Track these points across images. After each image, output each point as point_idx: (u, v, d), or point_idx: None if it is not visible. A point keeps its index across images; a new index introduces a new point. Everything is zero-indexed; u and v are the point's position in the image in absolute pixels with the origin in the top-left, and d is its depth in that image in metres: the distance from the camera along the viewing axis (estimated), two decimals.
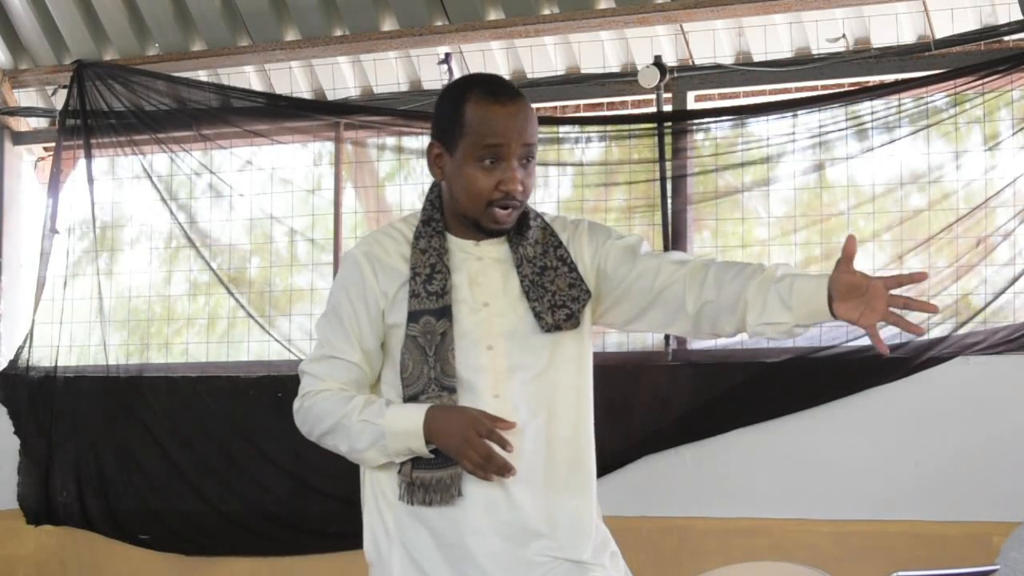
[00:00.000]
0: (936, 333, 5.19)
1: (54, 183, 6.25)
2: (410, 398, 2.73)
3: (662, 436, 5.30)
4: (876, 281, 2.62)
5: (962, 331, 5.12)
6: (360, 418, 2.73)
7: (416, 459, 2.73)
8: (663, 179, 5.42)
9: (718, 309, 2.73)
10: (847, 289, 2.61)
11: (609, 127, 5.64)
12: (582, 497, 2.79)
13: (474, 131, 2.73)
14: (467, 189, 2.74)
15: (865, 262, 5.32)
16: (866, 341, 5.23)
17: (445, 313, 2.73)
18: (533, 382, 2.76)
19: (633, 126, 5.62)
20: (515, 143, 2.74)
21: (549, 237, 2.83)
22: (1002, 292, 5.09)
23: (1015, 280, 5.08)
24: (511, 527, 2.73)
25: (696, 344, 5.46)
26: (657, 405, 5.31)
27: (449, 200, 2.81)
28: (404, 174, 5.97)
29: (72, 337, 6.19)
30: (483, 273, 2.79)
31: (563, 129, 5.69)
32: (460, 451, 2.64)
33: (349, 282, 2.82)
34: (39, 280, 6.20)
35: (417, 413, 2.69)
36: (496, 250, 2.81)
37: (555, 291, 2.77)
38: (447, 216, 2.83)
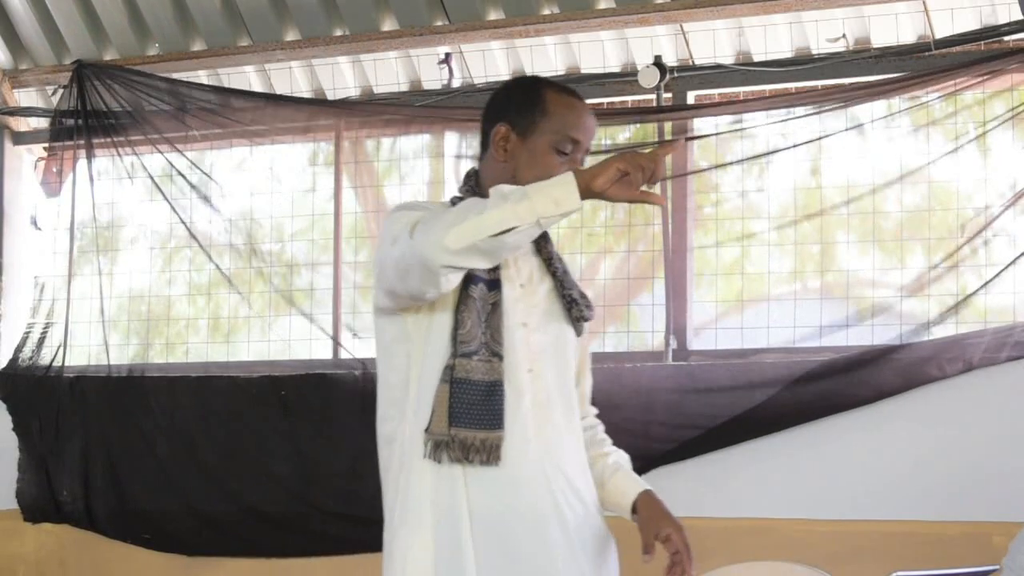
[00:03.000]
0: (937, 333, 5.19)
1: (46, 181, 6.26)
2: (463, 356, 2.76)
3: (662, 436, 5.30)
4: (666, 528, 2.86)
5: (963, 331, 5.12)
6: (495, 194, 2.65)
7: (457, 417, 2.74)
8: (663, 178, 5.43)
9: None
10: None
11: (609, 127, 5.64)
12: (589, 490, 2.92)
13: (559, 119, 2.83)
14: (537, 172, 2.78)
15: (864, 262, 5.33)
16: (866, 342, 5.24)
17: (496, 285, 2.81)
18: (554, 366, 2.87)
19: (633, 125, 5.63)
20: (585, 142, 2.87)
21: (559, 254, 2.96)
22: (988, 282, 5.07)
23: (990, 280, 5.09)
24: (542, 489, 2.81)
25: (697, 345, 5.47)
26: (656, 405, 5.30)
27: (500, 182, 2.78)
28: (403, 174, 5.97)
29: (72, 336, 6.19)
30: (520, 259, 2.88)
31: None
32: (627, 160, 2.60)
33: (414, 203, 2.90)
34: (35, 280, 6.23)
35: (560, 175, 2.66)
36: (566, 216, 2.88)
37: (575, 291, 2.93)
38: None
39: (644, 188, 2.63)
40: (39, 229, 6.29)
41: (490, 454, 2.75)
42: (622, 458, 3.02)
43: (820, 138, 5.34)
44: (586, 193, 2.60)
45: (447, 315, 2.79)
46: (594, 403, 3.08)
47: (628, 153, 2.65)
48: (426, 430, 2.77)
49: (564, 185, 2.60)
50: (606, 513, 2.95)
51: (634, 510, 2.92)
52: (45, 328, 6.19)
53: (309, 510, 5.72)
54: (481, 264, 2.67)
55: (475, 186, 2.91)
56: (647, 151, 2.65)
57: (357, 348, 5.89)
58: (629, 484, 2.95)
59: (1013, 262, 5.06)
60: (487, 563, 2.76)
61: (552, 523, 2.79)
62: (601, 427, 3.07)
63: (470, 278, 2.77)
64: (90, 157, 6.20)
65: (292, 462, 5.74)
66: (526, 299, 2.86)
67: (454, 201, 2.85)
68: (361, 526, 5.60)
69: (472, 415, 2.75)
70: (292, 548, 5.78)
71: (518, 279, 2.86)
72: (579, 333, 2.93)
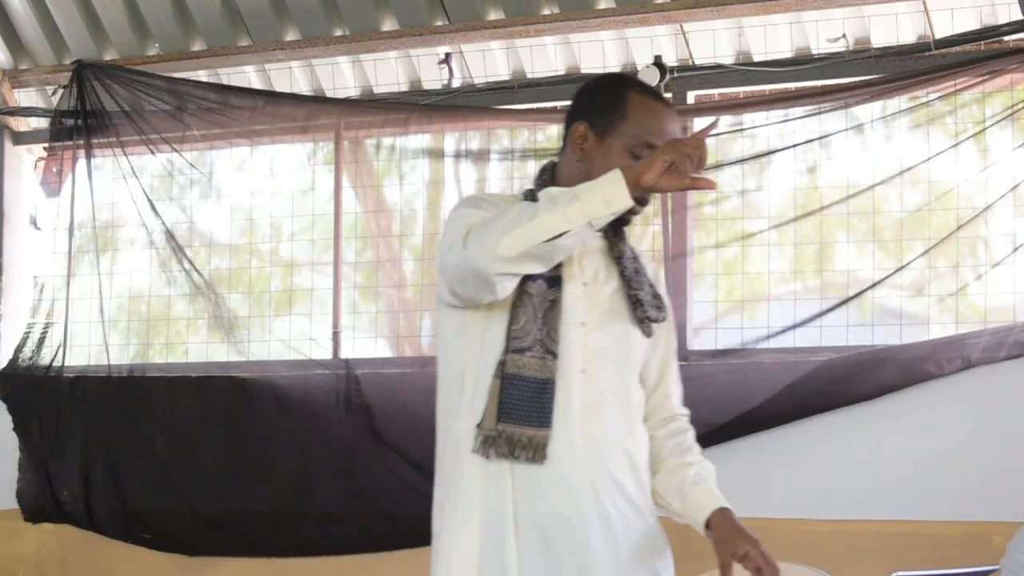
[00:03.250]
0: (936, 333, 5.19)
1: (45, 181, 6.26)
2: (515, 351, 2.75)
3: None
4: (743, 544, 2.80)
5: (963, 331, 5.12)
6: (545, 198, 2.65)
7: (506, 413, 2.73)
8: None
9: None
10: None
11: None
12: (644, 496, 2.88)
13: (638, 123, 2.79)
14: None
15: (864, 262, 5.33)
16: (864, 341, 5.24)
17: (557, 283, 2.78)
18: (612, 366, 2.83)
19: None
20: None
21: (634, 252, 2.92)
22: (984, 274, 5.08)
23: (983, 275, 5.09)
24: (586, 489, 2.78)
25: (697, 345, 5.46)
26: None
27: (574, 180, 2.79)
28: (403, 174, 5.97)
29: (72, 336, 6.19)
30: (585, 256, 2.84)
31: (561, 129, 5.70)
32: (671, 149, 2.58)
33: (477, 199, 2.86)
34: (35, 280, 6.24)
35: (608, 173, 2.64)
36: (595, 239, 2.85)
37: (645, 293, 2.88)
38: None
39: (693, 175, 2.61)
40: (38, 229, 6.29)
41: (536, 452, 2.73)
42: (705, 470, 2.95)
43: (820, 138, 5.34)
44: (636, 189, 2.59)
45: (505, 311, 2.78)
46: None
47: (672, 142, 2.64)
48: (478, 425, 2.76)
49: (614, 184, 2.59)
50: (680, 522, 2.93)
51: (708, 526, 2.87)
52: (45, 328, 6.19)
53: (308, 511, 5.72)
54: (536, 269, 2.67)
55: (549, 180, 2.88)
56: (690, 137, 2.62)
57: (356, 348, 5.90)
58: (705, 500, 2.89)
59: (996, 263, 5.07)
60: (529, 563, 2.74)
61: (595, 527, 2.76)
62: (690, 432, 3.00)
63: (529, 275, 2.74)
64: (90, 157, 6.20)
65: (292, 462, 5.74)
66: (587, 298, 2.82)
67: (527, 194, 2.83)
68: (360, 526, 5.63)
69: (521, 412, 2.74)
70: (292, 548, 5.78)
71: (581, 277, 2.82)
72: (647, 334, 2.87)
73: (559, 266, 2.76)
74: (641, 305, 2.84)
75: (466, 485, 2.78)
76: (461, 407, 2.82)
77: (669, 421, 2.98)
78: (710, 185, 2.67)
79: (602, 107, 2.83)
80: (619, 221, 2.80)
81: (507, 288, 2.70)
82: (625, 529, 2.80)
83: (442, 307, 2.88)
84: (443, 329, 2.90)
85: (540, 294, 2.76)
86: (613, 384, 2.82)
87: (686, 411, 3.03)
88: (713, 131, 2.77)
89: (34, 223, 6.33)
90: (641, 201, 2.71)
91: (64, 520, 6.08)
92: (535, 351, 2.74)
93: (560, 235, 2.59)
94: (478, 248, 2.63)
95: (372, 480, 5.60)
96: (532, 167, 5.61)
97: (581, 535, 2.75)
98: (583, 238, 2.65)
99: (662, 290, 2.95)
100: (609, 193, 2.59)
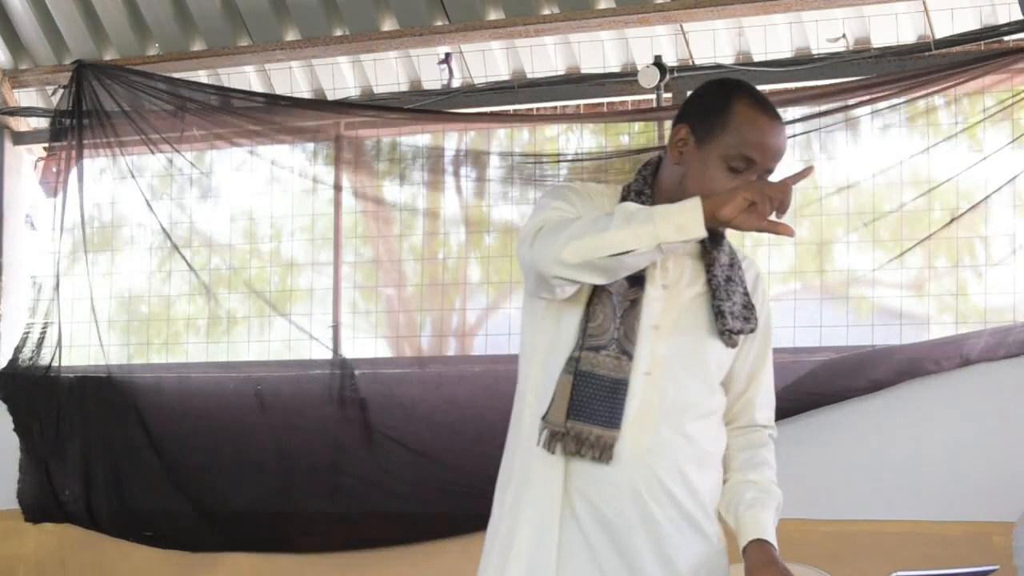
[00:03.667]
0: (936, 333, 5.19)
1: (45, 181, 6.26)
2: (590, 349, 2.72)
3: None
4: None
5: (963, 331, 5.12)
6: (620, 213, 2.60)
7: (577, 410, 2.70)
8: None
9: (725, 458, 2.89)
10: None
11: (609, 127, 5.65)
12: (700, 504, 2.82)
13: (737, 134, 2.69)
14: (704, 186, 2.68)
15: (864, 261, 5.33)
16: (864, 341, 5.24)
17: (639, 283, 2.73)
18: (680, 372, 2.77)
19: (633, 125, 5.64)
20: (765, 163, 2.72)
21: (734, 258, 2.86)
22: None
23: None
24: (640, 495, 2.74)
25: None
26: None
27: (673, 182, 2.77)
28: (403, 174, 5.97)
29: (72, 336, 6.20)
30: (671, 258, 2.78)
31: (561, 129, 5.72)
32: (756, 190, 2.54)
33: (566, 191, 2.82)
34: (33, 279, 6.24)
35: (688, 200, 2.59)
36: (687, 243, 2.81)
37: (733, 303, 2.81)
38: (656, 194, 2.80)
39: (772, 218, 2.57)
40: (34, 228, 6.29)
41: (603, 451, 2.70)
42: (765, 494, 2.88)
43: (819, 137, 5.34)
44: (712, 221, 2.55)
45: (580, 305, 2.75)
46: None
47: (757, 182, 2.61)
48: (543, 418, 2.74)
49: (690, 212, 2.55)
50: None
51: (744, 552, 2.81)
52: (44, 328, 6.19)
53: (309, 511, 5.73)
54: (596, 280, 2.64)
55: (649, 176, 2.83)
56: (777, 180, 2.59)
57: (356, 348, 5.91)
58: (748, 527, 2.82)
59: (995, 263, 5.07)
60: (572, 559, 2.73)
61: (638, 531, 2.73)
62: (765, 448, 2.92)
63: None
64: (89, 157, 6.20)
65: (292, 461, 5.74)
66: (664, 301, 2.77)
67: (624, 191, 2.81)
68: (360, 526, 5.63)
69: (592, 410, 2.71)
70: (292, 547, 5.78)
71: (662, 280, 2.77)
72: (730, 345, 2.79)
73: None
74: (723, 316, 2.77)
75: (534, 480, 2.76)
76: (526, 397, 2.80)
77: (749, 431, 2.91)
78: (788, 232, 2.60)
79: (706, 113, 2.74)
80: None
81: (565, 292, 2.67)
82: (677, 537, 2.76)
83: (526, 297, 2.87)
84: (524, 312, 2.88)
85: (620, 293, 2.72)
86: (677, 391, 2.76)
87: (771, 425, 2.95)
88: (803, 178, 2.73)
89: (31, 223, 6.32)
90: (714, 233, 2.70)
91: (66, 520, 6.09)
92: (611, 350, 2.71)
93: (627, 252, 2.57)
94: (543, 248, 2.62)
95: (369, 477, 5.61)
96: (532, 167, 5.61)
97: (624, 537, 2.73)
98: (650, 259, 2.62)
99: (759, 299, 2.88)
100: (684, 220, 2.55)
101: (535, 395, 2.78)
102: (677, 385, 2.76)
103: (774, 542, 2.80)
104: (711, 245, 2.80)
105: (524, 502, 2.76)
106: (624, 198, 2.77)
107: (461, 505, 5.35)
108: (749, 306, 2.83)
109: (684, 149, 2.75)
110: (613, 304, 2.72)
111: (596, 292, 2.72)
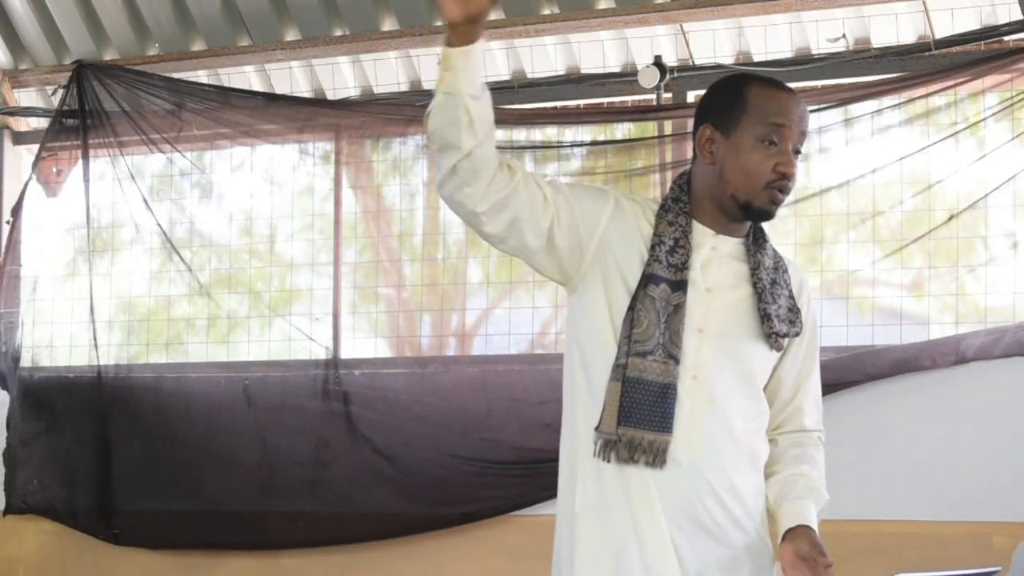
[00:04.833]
0: (936, 333, 5.19)
1: (45, 181, 6.27)
2: (637, 355, 2.73)
3: None
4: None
5: (962, 331, 5.12)
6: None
7: (627, 416, 2.72)
8: (663, 171, 5.45)
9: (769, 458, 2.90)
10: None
11: (608, 126, 5.65)
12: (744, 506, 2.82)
13: (759, 109, 2.78)
14: (744, 169, 2.77)
15: (864, 261, 5.33)
16: (864, 341, 5.24)
17: (681, 287, 2.76)
18: (726, 375, 2.78)
19: (634, 125, 5.64)
20: (795, 126, 2.79)
21: (779, 262, 2.88)
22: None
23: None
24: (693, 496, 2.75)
25: None
26: None
27: (709, 184, 2.82)
28: (403, 174, 5.96)
29: (68, 336, 6.20)
30: (714, 261, 2.82)
31: (560, 130, 5.72)
32: None
33: (590, 189, 2.91)
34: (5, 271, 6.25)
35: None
36: (730, 245, 2.84)
37: (779, 306, 2.83)
38: (693, 202, 2.85)
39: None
40: (9, 222, 6.27)
41: (656, 456, 2.71)
42: (812, 492, 2.86)
43: (819, 136, 5.34)
44: (451, 32, 2.83)
45: (606, 309, 2.78)
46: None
47: None
48: (596, 428, 2.75)
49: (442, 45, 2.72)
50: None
51: (784, 538, 2.81)
52: (40, 328, 6.20)
53: (307, 510, 5.73)
54: (463, 136, 2.91)
55: (684, 184, 2.88)
56: None
57: (356, 348, 5.91)
58: (794, 515, 2.81)
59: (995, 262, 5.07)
60: (618, 558, 2.74)
61: (683, 532, 2.74)
62: (814, 448, 2.92)
63: (651, 277, 2.75)
64: (89, 157, 6.20)
65: (291, 462, 5.75)
66: (707, 304, 2.79)
67: (663, 203, 2.84)
68: (360, 525, 5.64)
69: (642, 415, 2.72)
70: (291, 545, 5.79)
71: (703, 283, 2.80)
72: (775, 348, 2.82)
73: (684, 270, 2.76)
74: (769, 319, 2.80)
75: (592, 484, 2.77)
76: (577, 400, 2.81)
77: (798, 434, 2.92)
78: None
79: (724, 106, 2.83)
80: (758, 232, 2.84)
81: (495, 222, 2.83)
82: (721, 539, 2.77)
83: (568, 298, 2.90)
84: (568, 314, 2.90)
85: (663, 298, 2.75)
86: (723, 394, 2.77)
87: (820, 429, 2.95)
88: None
89: (9, 221, 6.29)
90: (758, 235, 2.83)
91: (45, 515, 6.09)
92: (657, 355, 2.73)
93: (444, 111, 2.85)
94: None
95: (355, 474, 5.62)
96: (531, 167, 5.61)
97: (667, 539, 2.73)
98: (465, 109, 2.89)
99: (804, 303, 2.89)
100: (441, 54, 2.75)
101: (585, 406, 2.79)
102: (723, 388, 2.78)
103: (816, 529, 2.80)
104: (755, 247, 2.84)
105: (593, 512, 2.77)
106: (663, 207, 2.83)
107: (461, 502, 5.35)
108: (795, 309, 2.85)
109: (714, 148, 2.82)
110: (657, 309, 2.74)
111: (638, 297, 2.75)
